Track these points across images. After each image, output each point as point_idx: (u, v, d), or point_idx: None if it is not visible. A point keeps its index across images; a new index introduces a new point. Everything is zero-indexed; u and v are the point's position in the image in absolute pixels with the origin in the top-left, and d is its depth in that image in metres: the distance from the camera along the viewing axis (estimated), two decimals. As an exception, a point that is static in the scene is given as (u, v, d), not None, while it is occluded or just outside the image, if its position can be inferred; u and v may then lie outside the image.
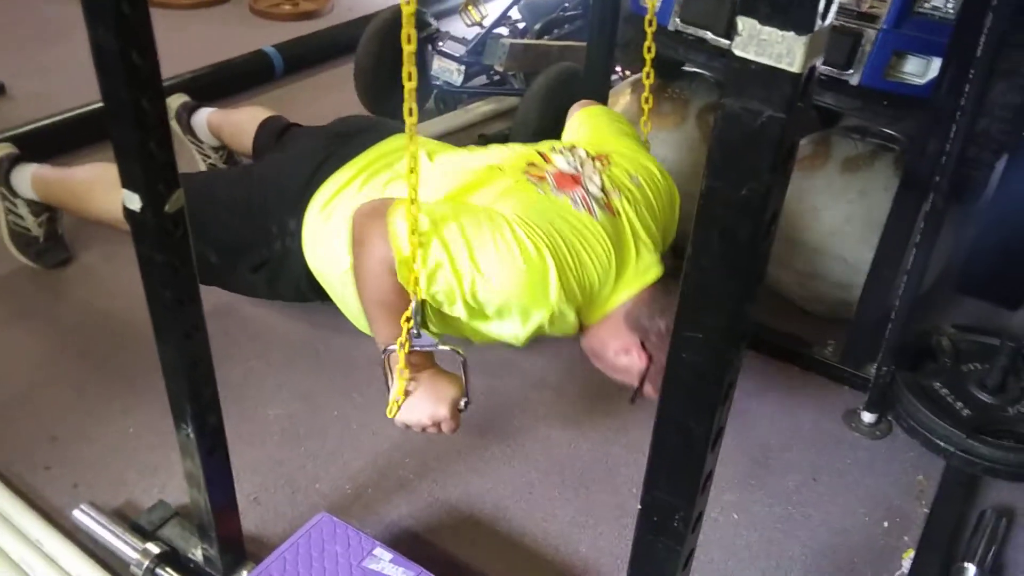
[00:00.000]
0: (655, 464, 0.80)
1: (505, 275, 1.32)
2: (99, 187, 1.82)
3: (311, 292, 1.66)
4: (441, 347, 1.31)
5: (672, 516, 0.82)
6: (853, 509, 1.58)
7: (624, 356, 1.47)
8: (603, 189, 1.50)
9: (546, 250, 1.34)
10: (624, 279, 1.46)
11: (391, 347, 1.30)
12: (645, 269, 1.48)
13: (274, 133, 1.95)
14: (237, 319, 1.91)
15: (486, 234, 1.33)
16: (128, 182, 0.98)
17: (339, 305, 1.63)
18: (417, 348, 1.30)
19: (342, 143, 1.68)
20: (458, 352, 1.33)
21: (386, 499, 1.54)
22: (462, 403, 1.34)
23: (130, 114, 0.92)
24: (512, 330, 1.43)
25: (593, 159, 1.56)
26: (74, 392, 1.70)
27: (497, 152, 1.61)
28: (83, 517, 1.42)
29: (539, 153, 1.57)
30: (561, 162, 1.54)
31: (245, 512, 1.42)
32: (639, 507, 0.84)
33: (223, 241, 1.66)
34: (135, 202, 0.98)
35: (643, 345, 1.44)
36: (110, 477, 1.53)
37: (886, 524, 1.56)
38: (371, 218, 1.36)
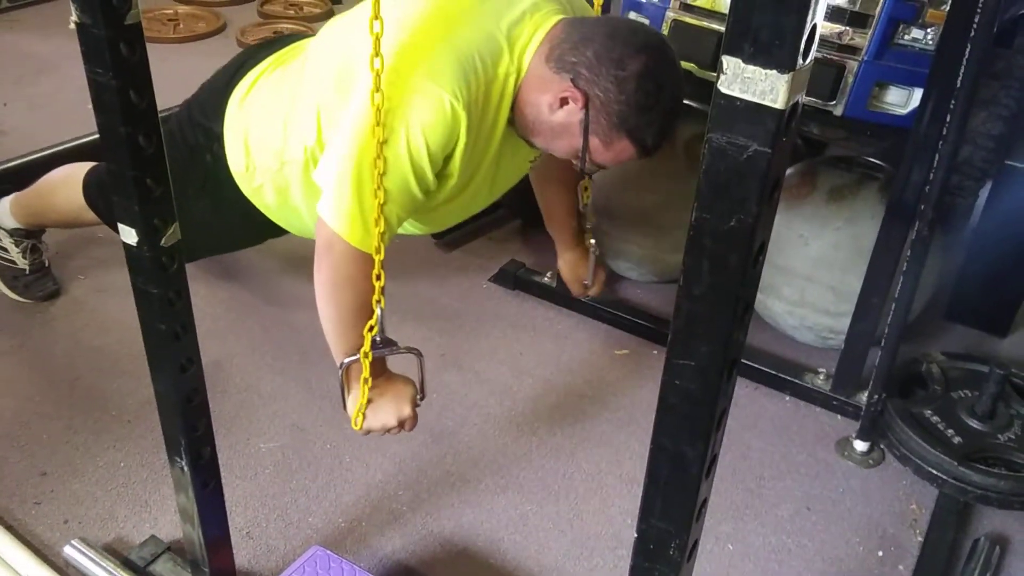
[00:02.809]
0: (650, 492, 0.81)
1: (401, 91, 1.23)
2: (60, 183, 1.86)
3: (258, 212, 1.61)
4: (400, 350, 1.32)
5: (668, 544, 0.82)
6: (848, 538, 1.58)
7: (561, 110, 1.31)
8: None
9: (399, 33, 1.24)
10: (522, 23, 1.33)
11: (350, 358, 1.31)
12: (545, 3, 1.35)
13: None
14: (228, 351, 1.91)
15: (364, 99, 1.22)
16: (124, 217, 0.99)
17: (267, 211, 1.59)
18: (377, 355, 1.31)
19: (258, 50, 1.64)
20: (414, 351, 1.34)
21: (379, 532, 1.53)
22: (418, 398, 1.37)
23: (127, 150, 0.94)
24: (459, 157, 1.32)
25: None
26: (64, 426, 1.69)
27: None
28: (74, 553, 1.41)
29: None
30: None
31: (237, 546, 1.41)
32: (635, 535, 0.84)
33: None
34: (132, 236, 0.99)
35: (575, 84, 1.29)
36: (101, 512, 1.52)
37: (881, 553, 1.56)
38: (319, 232, 1.31)
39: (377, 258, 1.24)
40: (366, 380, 1.30)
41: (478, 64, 1.29)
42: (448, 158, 1.32)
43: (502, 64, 1.32)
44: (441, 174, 1.34)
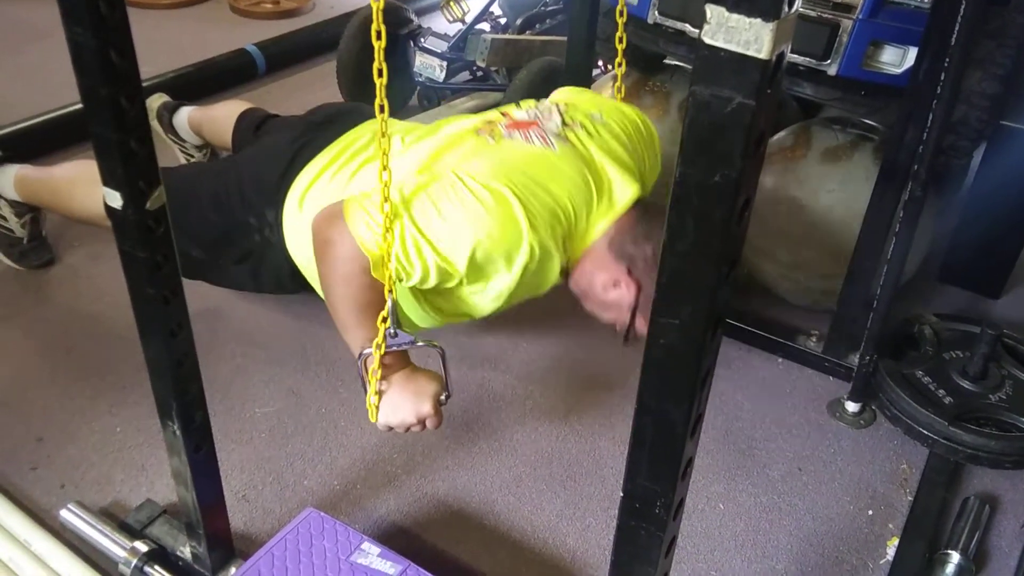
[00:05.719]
0: (636, 451, 0.81)
1: (475, 226, 1.31)
2: (80, 184, 1.81)
3: (292, 283, 1.66)
4: (418, 344, 1.31)
5: (654, 503, 0.83)
6: (838, 498, 1.60)
7: (613, 289, 1.44)
8: (562, 124, 1.49)
9: (502, 188, 1.33)
10: (600, 205, 1.43)
11: (367, 350, 1.29)
12: (622, 193, 1.45)
13: (252, 126, 1.94)
14: (224, 317, 1.91)
15: (444, 200, 1.32)
16: (109, 180, 0.98)
17: (322, 295, 1.63)
18: (394, 347, 1.30)
19: (316, 132, 1.67)
20: (435, 345, 1.33)
21: (374, 494, 1.54)
22: (443, 396, 1.35)
23: (109, 112, 0.93)
24: (503, 282, 1.41)
25: (554, 105, 1.56)
26: (60, 392, 1.70)
27: (460, 122, 1.59)
28: (71, 517, 1.42)
29: (501, 112, 1.57)
30: (519, 113, 1.55)
31: (233, 509, 1.43)
32: (621, 494, 0.85)
33: (205, 236, 1.66)
34: (116, 200, 0.98)
35: (630, 273, 1.42)
36: (97, 476, 1.53)
37: (871, 512, 1.57)
38: (330, 222, 1.35)
39: (386, 246, 1.24)
40: (375, 372, 1.30)
41: (562, 221, 1.39)
42: (481, 274, 1.38)
43: (574, 240, 1.43)
44: (470, 279, 1.39)
